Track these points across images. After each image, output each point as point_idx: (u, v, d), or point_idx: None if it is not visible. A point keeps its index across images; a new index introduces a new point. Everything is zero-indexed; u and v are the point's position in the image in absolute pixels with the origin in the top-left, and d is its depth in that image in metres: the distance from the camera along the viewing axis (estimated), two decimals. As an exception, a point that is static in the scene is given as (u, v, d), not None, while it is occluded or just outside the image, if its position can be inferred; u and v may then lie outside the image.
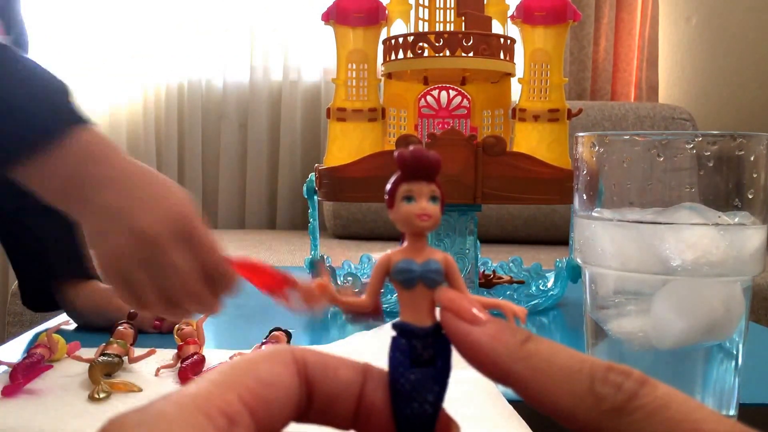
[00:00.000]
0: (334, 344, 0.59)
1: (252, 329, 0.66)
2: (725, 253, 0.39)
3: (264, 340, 0.55)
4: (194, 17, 2.37)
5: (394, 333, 0.23)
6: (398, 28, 0.84)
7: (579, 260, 0.45)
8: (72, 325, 0.68)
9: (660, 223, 0.40)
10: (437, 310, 0.23)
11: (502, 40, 0.75)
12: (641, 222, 0.40)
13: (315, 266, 0.81)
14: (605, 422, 0.19)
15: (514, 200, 0.66)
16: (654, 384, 0.19)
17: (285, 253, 1.69)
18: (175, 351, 0.54)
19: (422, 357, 0.22)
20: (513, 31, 0.82)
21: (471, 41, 0.73)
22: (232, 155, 2.34)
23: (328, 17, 0.82)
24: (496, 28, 0.79)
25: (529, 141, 0.81)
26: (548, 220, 2.04)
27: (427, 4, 0.81)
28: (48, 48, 2.27)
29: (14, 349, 0.57)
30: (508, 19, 0.82)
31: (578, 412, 0.20)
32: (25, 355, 0.50)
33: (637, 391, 0.19)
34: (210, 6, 2.37)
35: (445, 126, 0.82)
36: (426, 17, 0.82)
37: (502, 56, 0.75)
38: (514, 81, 0.82)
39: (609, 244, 0.42)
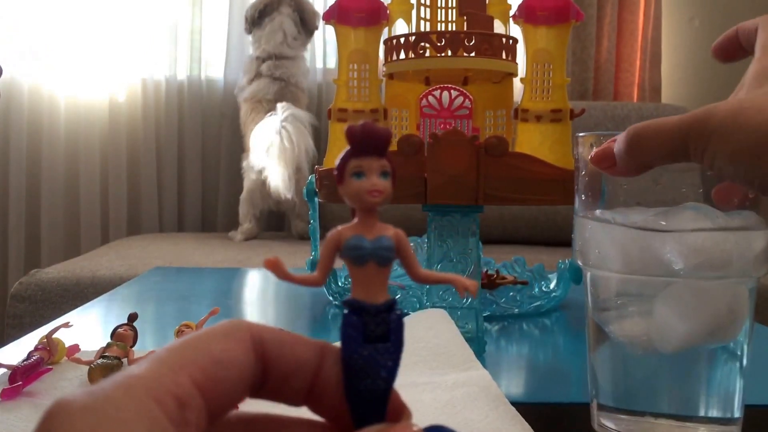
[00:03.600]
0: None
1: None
2: (729, 255, 0.38)
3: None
4: (194, 16, 2.37)
5: (346, 310, 0.23)
6: (400, 27, 0.84)
7: (579, 262, 0.44)
8: (71, 328, 0.68)
9: (660, 230, 0.39)
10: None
11: (504, 39, 0.74)
12: (642, 228, 0.39)
13: (316, 267, 0.81)
14: None
15: (517, 201, 0.66)
16: None
17: (285, 255, 1.69)
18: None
19: (375, 333, 0.22)
20: (515, 30, 0.82)
21: (473, 41, 0.73)
22: (232, 155, 2.33)
23: (330, 17, 0.82)
24: (499, 27, 0.79)
25: (532, 141, 0.80)
26: (551, 221, 2.03)
27: (428, 3, 0.81)
28: (46, 47, 2.27)
29: (14, 352, 0.57)
30: (511, 19, 0.82)
31: None
32: (25, 357, 0.50)
33: None
34: (210, 5, 2.37)
35: (447, 126, 0.82)
36: (428, 17, 0.81)
37: (504, 56, 0.74)
38: (516, 81, 0.82)
39: (609, 246, 0.41)
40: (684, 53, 2.49)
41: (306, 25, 2.19)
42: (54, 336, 0.53)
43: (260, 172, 1.97)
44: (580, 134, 0.44)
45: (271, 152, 1.89)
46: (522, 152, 0.73)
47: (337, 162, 0.23)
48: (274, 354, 0.21)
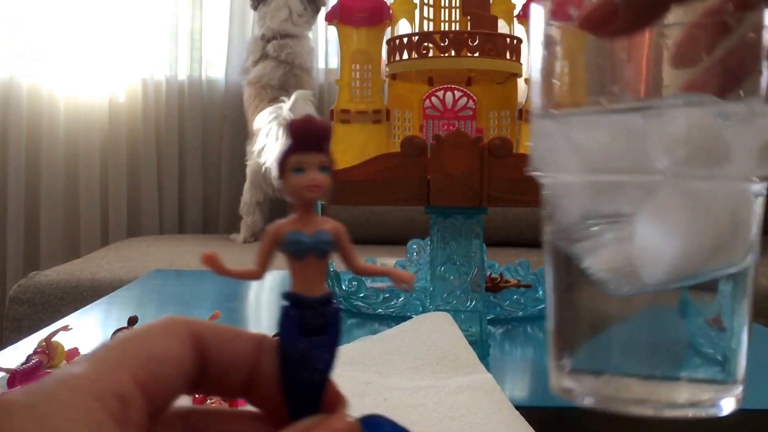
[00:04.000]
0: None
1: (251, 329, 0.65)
2: (728, 147, 0.30)
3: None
4: (195, 15, 2.37)
5: (284, 303, 0.23)
6: (403, 27, 0.83)
7: (535, 174, 0.35)
8: (71, 331, 0.67)
9: (636, 110, 0.30)
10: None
11: (508, 39, 0.74)
12: (616, 111, 0.30)
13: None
14: None
15: (521, 203, 0.65)
16: None
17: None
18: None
19: (312, 326, 0.23)
20: (519, 30, 0.81)
21: (477, 41, 0.72)
22: (233, 156, 2.33)
23: (332, 17, 0.81)
24: (502, 27, 0.78)
25: (536, 142, 0.80)
26: (553, 222, 2.03)
27: (432, 3, 0.80)
28: (46, 47, 2.26)
29: (12, 355, 0.56)
30: (515, 19, 0.82)
31: None
32: (24, 361, 0.50)
33: None
34: (211, 5, 2.37)
35: (451, 127, 0.81)
36: (431, 17, 0.81)
37: (508, 56, 0.74)
38: (520, 82, 0.81)
39: (573, 149, 0.32)
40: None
41: (313, 1, 2.18)
42: (53, 339, 0.53)
43: (260, 153, 1.96)
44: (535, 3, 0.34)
45: (270, 135, 1.89)
46: (527, 153, 0.73)
47: (279, 157, 0.23)
48: (213, 349, 0.22)
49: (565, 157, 0.32)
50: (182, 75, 2.36)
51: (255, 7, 2.19)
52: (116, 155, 2.31)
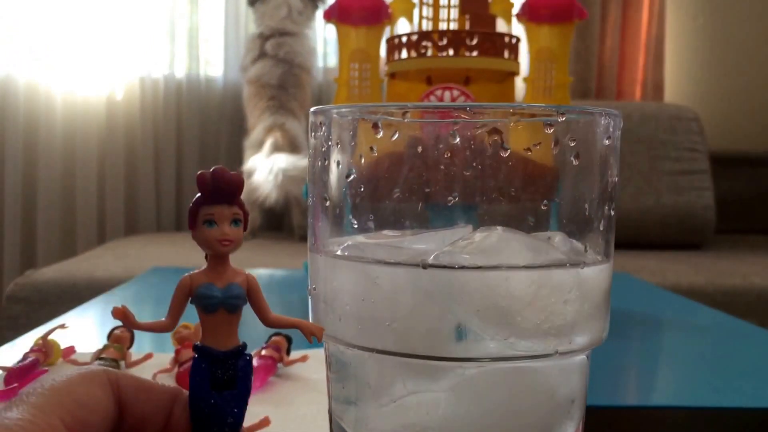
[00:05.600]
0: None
1: (251, 334, 0.65)
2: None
3: (264, 345, 0.54)
4: (192, 13, 2.36)
5: (195, 355, 0.23)
6: (401, 26, 0.83)
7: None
8: (67, 329, 0.67)
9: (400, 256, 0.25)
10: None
11: (506, 38, 0.74)
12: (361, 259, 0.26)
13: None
14: None
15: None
16: None
17: (284, 257, 1.68)
18: (173, 355, 0.53)
19: (222, 380, 0.23)
20: (518, 29, 0.81)
21: (475, 40, 0.72)
22: (231, 154, 2.32)
23: (330, 16, 0.81)
24: (501, 26, 0.78)
25: (534, 141, 0.80)
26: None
27: (430, 2, 0.80)
28: (44, 44, 2.26)
29: (9, 354, 0.56)
30: (513, 18, 0.81)
31: None
32: (20, 359, 0.49)
33: None
34: (208, 3, 2.37)
35: (449, 126, 0.81)
36: (430, 16, 0.81)
37: (506, 55, 0.74)
38: (518, 80, 0.81)
39: (346, 296, 0.27)
40: (687, 52, 2.48)
41: None
42: (50, 337, 0.53)
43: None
44: (313, 109, 0.30)
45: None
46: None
47: (189, 207, 0.23)
48: (130, 399, 0.23)
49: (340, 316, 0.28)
50: (180, 73, 2.36)
51: (251, 3, 2.18)
52: (113, 153, 2.31)
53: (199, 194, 0.23)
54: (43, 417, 0.19)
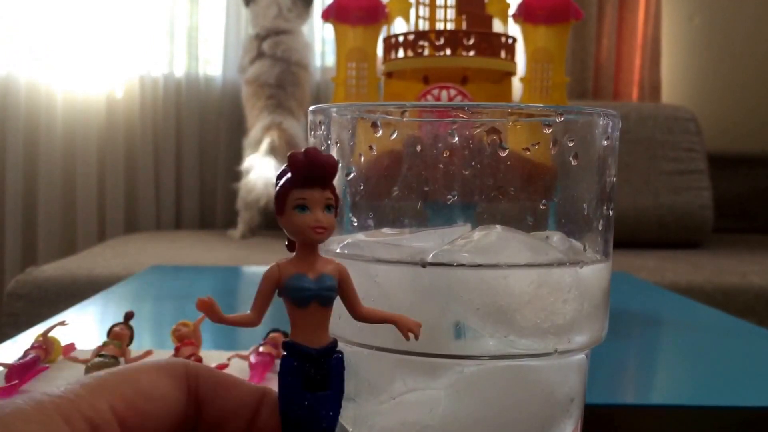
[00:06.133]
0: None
1: (250, 330, 0.66)
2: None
3: (262, 341, 0.54)
4: (192, 12, 2.36)
5: (284, 353, 0.21)
6: (398, 26, 0.83)
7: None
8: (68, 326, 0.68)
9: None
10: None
11: (503, 38, 0.74)
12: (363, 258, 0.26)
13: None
14: None
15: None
16: None
17: (284, 254, 1.68)
18: (172, 352, 0.53)
19: (315, 380, 0.21)
20: (514, 29, 0.82)
21: (472, 40, 0.72)
22: (230, 152, 2.32)
23: (328, 15, 0.81)
24: (498, 26, 0.79)
25: (531, 141, 0.80)
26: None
27: (427, 2, 0.81)
28: (44, 43, 2.26)
29: (10, 350, 0.56)
30: (510, 18, 0.82)
31: None
32: (21, 356, 0.50)
33: None
34: (207, 2, 2.37)
35: (447, 125, 0.81)
36: (426, 15, 0.81)
37: (503, 55, 0.74)
38: (515, 80, 0.81)
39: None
40: (684, 52, 2.48)
41: None
42: (50, 334, 0.53)
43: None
44: (312, 108, 0.31)
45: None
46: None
47: (276, 189, 0.21)
48: (209, 395, 0.21)
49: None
50: (179, 72, 2.36)
51: (247, 3, 2.20)
52: (114, 152, 2.31)
53: (288, 176, 0.21)
54: (89, 398, 0.18)
